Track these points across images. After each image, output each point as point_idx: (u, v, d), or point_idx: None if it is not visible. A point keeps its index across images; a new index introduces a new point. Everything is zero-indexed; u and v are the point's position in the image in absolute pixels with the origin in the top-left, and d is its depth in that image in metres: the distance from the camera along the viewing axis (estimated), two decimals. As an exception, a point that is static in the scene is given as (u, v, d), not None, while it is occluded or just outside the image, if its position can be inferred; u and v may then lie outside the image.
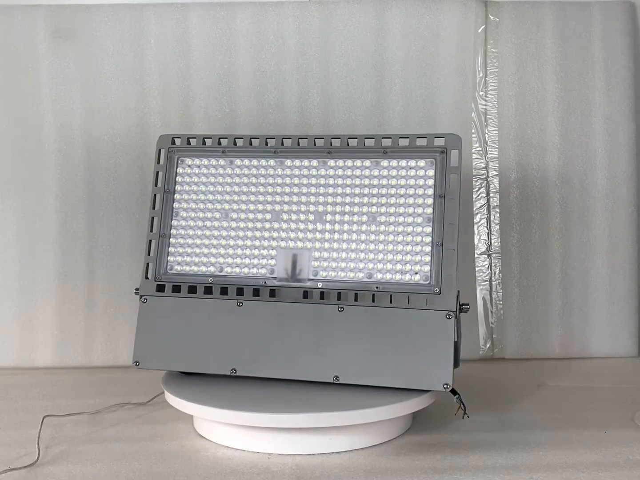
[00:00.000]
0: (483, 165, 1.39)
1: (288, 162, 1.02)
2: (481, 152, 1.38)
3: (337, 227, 0.98)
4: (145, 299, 1.02)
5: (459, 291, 0.93)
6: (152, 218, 1.04)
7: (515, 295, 1.38)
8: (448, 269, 0.93)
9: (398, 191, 0.97)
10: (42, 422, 0.96)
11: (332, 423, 0.87)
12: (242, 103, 1.36)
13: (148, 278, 1.02)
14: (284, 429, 0.88)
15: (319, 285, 0.97)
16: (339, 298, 0.96)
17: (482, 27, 1.38)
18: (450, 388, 0.90)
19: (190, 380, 1.02)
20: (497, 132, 1.38)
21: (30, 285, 1.35)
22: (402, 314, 0.93)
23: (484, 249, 1.38)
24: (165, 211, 1.03)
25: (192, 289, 1.01)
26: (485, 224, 1.38)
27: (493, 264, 1.38)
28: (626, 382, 1.21)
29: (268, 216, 1.01)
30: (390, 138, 0.98)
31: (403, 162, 0.97)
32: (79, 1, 1.37)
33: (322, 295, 0.97)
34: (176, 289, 1.01)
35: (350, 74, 1.37)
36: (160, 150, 1.05)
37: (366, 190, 0.98)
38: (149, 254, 1.03)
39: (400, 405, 0.90)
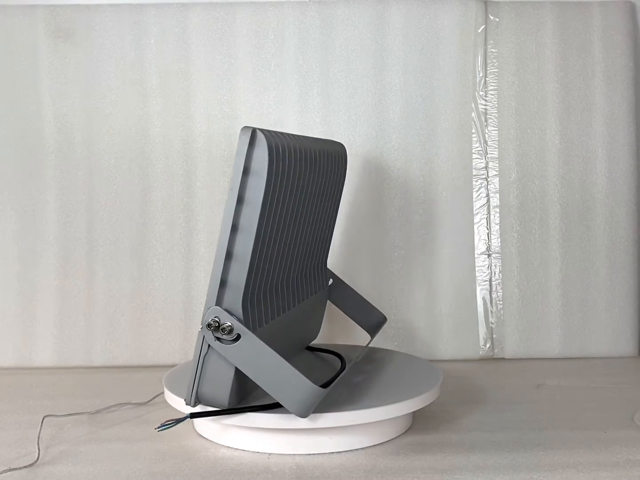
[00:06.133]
0: (483, 165, 1.39)
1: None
2: (481, 152, 1.38)
3: None
4: None
5: (216, 307, 0.82)
6: None
7: (515, 295, 1.38)
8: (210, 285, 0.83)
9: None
10: (42, 422, 0.95)
11: (332, 423, 0.87)
12: (242, 103, 1.36)
13: None
14: (284, 429, 0.88)
15: None
16: None
17: (482, 27, 1.38)
18: (187, 403, 0.86)
19: (190, 380, 1.02)
20: (497, 132, 1.38)
21: (30, 285, 1.35)
22: None
23: (483, 249, 1.38)
24: None
25: None
26: (485, 224, 1.38)
27: (493, 264, 1.38)
28: (626, 382, 1.21)
29: None
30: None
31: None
32: (79, 1, 1.37)
33: None
34: None
35: (350, 74, 1.37)
36: None
37: None
38: None
39: (400, 405, 0.90)
